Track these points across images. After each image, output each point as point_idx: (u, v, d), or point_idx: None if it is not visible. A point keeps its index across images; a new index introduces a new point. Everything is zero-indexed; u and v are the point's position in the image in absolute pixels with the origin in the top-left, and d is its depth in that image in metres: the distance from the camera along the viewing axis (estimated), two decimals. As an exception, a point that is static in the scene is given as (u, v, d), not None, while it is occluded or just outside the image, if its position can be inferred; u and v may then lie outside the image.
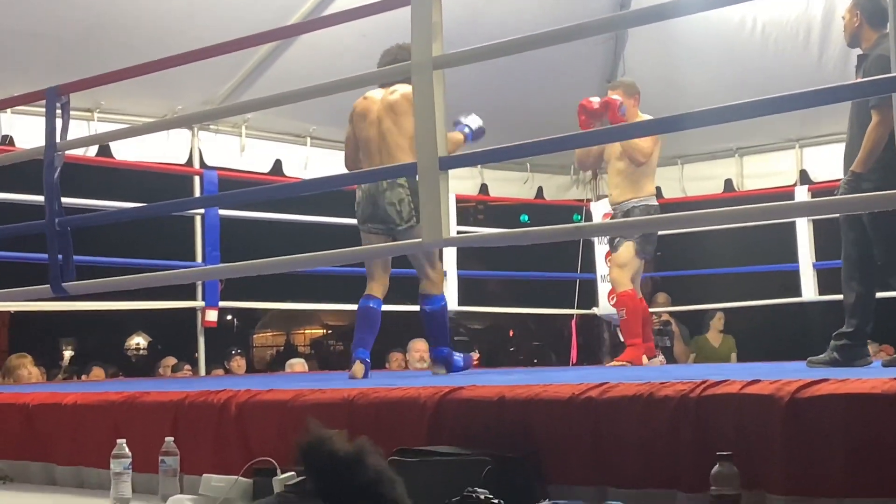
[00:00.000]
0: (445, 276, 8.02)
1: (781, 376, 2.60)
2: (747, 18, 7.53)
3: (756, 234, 8.06)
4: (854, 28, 4.83)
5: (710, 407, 2.51)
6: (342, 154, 5.78)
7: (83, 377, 8.69)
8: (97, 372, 8.64)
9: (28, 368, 7.49)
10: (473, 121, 5.30)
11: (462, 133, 5.22)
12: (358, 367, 4.95)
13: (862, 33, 4.81)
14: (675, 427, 2.54)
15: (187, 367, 8.35)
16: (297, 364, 8.40)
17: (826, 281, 7.87)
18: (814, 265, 7.71)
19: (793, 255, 7.77)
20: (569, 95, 8.53)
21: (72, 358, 16.81)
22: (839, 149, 8.00)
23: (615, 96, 5.98)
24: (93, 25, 6.57)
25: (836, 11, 7.27)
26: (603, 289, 8.82)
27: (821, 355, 4.67)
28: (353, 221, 5.31)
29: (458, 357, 5.16)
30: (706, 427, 2.50)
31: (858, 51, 4.88)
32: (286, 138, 8.06)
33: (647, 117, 5.74)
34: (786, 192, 7.96)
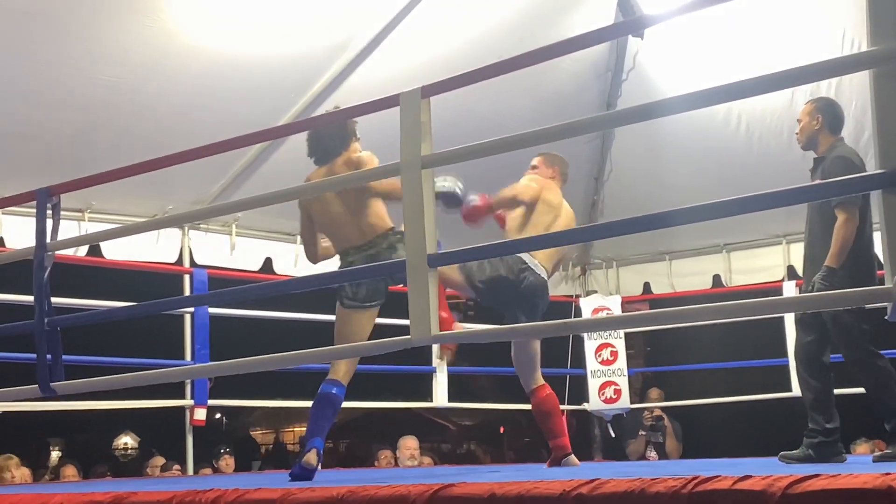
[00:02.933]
0: (435, 372, 8.02)
1: (773, 472, 2.59)
2: (732, 115, 7.65)
3: (745, 330, 8.08)
4: (813, 131, 5.03)
5: (701, 503, 2.49)
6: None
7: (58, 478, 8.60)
8: (69, 470, 8.55)
9: (13, 472, 7.42)
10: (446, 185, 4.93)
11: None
12: (313, 455, 4.72)
13: (819, 137, 5.02)
14: (667, 524, 2.52)
15: (176, 466, 8.27)
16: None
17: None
18: (802, 360, 7.70)
19: (782, 350, 7.77)
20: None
21: (59, 458, 16.63)
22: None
23: (535, 163, 5.84)
24: (86, 125, 6.63)
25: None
26: (593, 384, 8.81)
27: (794, 451, 4.71)
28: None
29: None
30: (698, 524, 2.48)
31: (812, 154, 5.03)
32: (276, 236, 8.10)
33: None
34: (774, 288, 8.00)
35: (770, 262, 8.52)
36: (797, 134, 5.13)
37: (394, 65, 6.83)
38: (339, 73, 7.01)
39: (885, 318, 2.89)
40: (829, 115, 5.02)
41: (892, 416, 4.77)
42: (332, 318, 4.95)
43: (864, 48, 2.87)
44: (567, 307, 9.18)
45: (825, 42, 6.79)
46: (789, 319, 7.70)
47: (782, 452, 4.83)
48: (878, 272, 4.65)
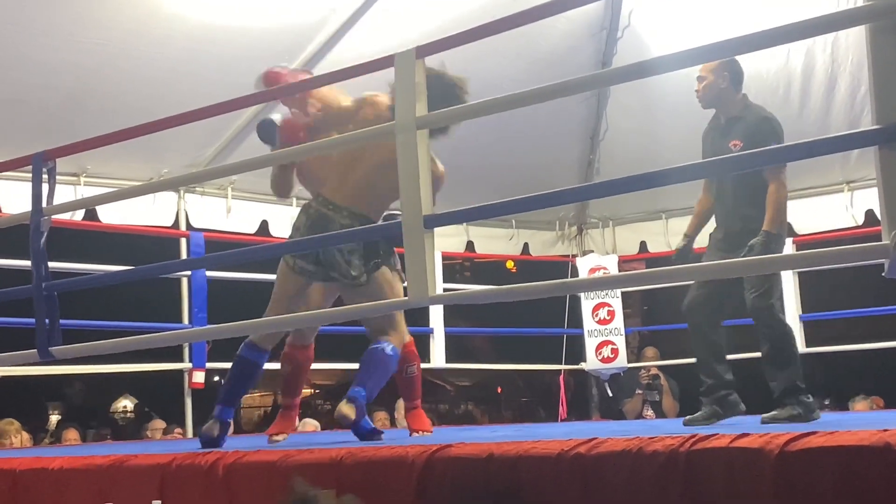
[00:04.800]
0: (432, 333, 8.03)
1: (771, 429, 2.61)
2: (727, 73, 7.62)
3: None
4: (720, 89, 4.95)
5: (699, 461, 2.50)
6: None
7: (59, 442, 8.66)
8: (71, 434, 8.59)
9: (13, 437, 7.45)
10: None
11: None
12: (215, 426, 4.45)
13: (728, 95, 4.94)
14: (665, 482, 2.53)
15: (178, 429, 8.30)
16: (310, 424, 8.36)
17: (812, 333, 7.90)
18: (800, 317, 7.72)
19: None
20: (553, 153, 8.63)
21: (58, 421, 16.70)
22: (823, 202, 8.17)
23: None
24: (78, 91, 6.62)
25: (816, 65, 7.38)
26: (590, 344, 8.83)
27: (774, 412, 4.72)
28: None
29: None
30: (695, 481, 2.50)
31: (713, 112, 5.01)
32: (272, 199, 8.08)
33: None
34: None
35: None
36: (697, 91, 5.00)
37: (383, 37, 6.81)
38: (329, 40, 7.01)
39: (883, 274, 2.89)
40: (734, 71, 4.92)
41: (779, 379, 4.77)
42: (328, 281, 4.89)
43: (861, 3, 2.86)
44: (564, 267, 9.19)
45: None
46: (786, 277, 7.71)
47: (764, 416, 4.82)
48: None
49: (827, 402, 9.63)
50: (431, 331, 8.02)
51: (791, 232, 8.19)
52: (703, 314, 4.94)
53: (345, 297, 4.76)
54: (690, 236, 5.10)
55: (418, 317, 7.92)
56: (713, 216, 5.11)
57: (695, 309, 4.95)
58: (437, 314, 8.02)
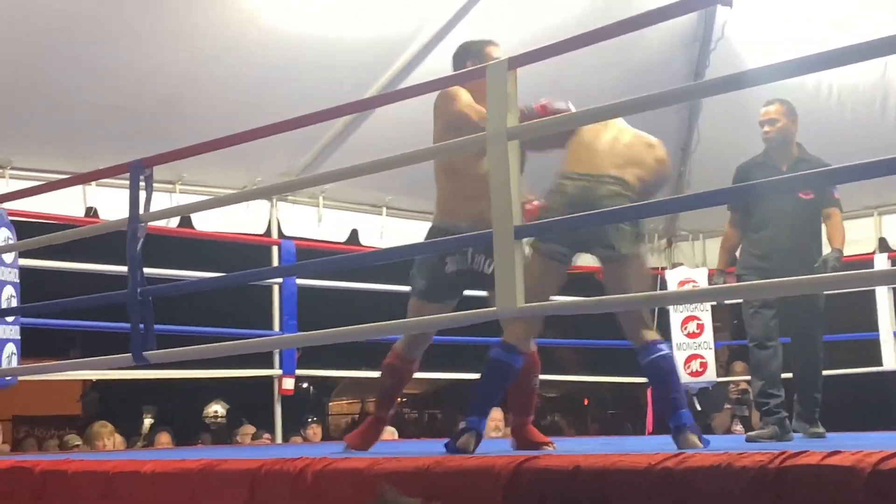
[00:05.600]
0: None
1: (863, 447, 2.57)
2: (823, 84, 7.50)
3: (835, 303, 7.97)
4: (791, 134, 5.26)
5: (788, 478, 2.48)
6: (417, 223, 5.70)
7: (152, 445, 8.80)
8: (164, 437, 8.73)
9: (106, 440, 7.60)
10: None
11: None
12: (470, 440, 4.05)
13: (793, 139, 5.29)
14: (754, 498, 2.51)
15: (267, 435, 8.40)
16: (387, 432, 8.41)
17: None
18: (894, 334, 7.59)
19: (873, 324, 7.65)
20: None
21: (151, 425, 16.97)
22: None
23: None
24: (174, 98, 6.75)
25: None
26: (679, 357, 8.75)
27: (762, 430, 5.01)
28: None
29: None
30: (785, 498, 2.47)
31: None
32: (362, 208, 8.17)
33: None
34: (865, 261, 7.86)
35: (861, 234, 8.36)
36: (768, 132, 5.26)
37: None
38: (421, 49, 7.05)
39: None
40: (797, 118, 5.29)
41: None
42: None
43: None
44: (654, 279, 9.12)
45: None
46: (881, 292, 7.57)
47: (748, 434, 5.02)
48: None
49: None
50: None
51: (886, 247, 8.05)
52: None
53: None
54: (724, 271, 5.40)
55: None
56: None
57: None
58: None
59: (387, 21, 6.87)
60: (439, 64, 6.72)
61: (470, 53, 4.64)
